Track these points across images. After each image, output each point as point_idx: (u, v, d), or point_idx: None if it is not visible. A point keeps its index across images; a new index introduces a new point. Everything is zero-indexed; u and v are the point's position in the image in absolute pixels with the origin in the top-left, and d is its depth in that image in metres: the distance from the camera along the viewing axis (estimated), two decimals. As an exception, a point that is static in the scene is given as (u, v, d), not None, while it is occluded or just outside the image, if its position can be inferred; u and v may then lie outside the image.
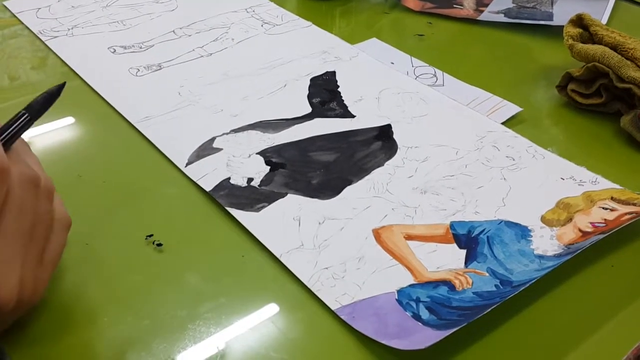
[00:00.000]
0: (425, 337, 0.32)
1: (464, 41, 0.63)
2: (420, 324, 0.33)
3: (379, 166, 0.45)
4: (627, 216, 0.39)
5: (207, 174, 0.44)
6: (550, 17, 0.64)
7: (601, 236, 0.38)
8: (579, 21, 0.54)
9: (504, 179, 0.44)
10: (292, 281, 0.36)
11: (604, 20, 0.64)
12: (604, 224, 0.39)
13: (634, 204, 0.40)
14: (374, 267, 0.37)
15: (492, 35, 0.63)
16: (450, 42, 0.63)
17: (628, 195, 0.41)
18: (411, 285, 0.36)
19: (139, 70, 0.55)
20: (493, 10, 0.67)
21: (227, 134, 0.48)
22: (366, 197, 0.42)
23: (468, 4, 0.68)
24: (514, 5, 0.67)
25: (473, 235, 0.39)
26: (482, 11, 0.67)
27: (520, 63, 0.59)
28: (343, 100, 0.52)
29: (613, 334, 0.34)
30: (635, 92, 0.47)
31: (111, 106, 0.50)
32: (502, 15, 0.66)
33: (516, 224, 0.40)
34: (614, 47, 0.50)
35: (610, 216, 0.39)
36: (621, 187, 0.43)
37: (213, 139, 0.47)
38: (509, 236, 0.39)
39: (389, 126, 0.49)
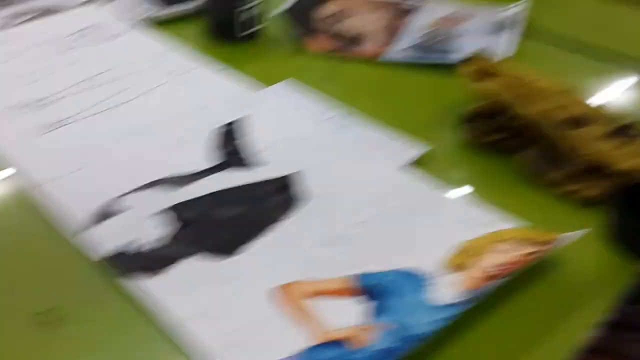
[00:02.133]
0: None
1: (369, 81, 0.63)
2: None
3: (283, 219, 0.44)
4: (531, 256, 0.39)
5: (107, 238, 0.42)
6: (452, 54, 0.65)
7: (506, 278, 0.38)
8: (476, 59, 0.55)
9: (408, 226, 0.43)
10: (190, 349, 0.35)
11: (507, 55, 0.65)
12: (508, 266, 0.38)
13: (538, 243, 0.40)
14: (275, 331, 0.36)
15: (398, 74, 0.64)
16: (356, 83, 0.63)
17: (529, 235, 0.41)
18: (312, 347, 0.35)
19: (39, 128, 0.53)
20: (397, 49, 0.67)
21: (129, 192, 0.46)
22: (269, 253, 0.41)
23: (372, 43, 0.69)
24: (418, 43, 0.68)
25: (377, 288, 0.38)
26: (386, 51, 0.67)
27: (425, 101, 0.59)
28: (249, 149, 0.51)
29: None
30: (532, 129, 0.48)
31: (6, 167, 0.48)
32: (407, 54, 0.66)
33: (421, 274, 0.39)
34: (513, 82, 0.51)
35: (514, 257, 0.39)
36: (524, 226, 0.43)
37: (115, 199, 0.45)
38: (413, 287, 0.38)
39: (295, 175, 0.48)
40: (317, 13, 0.73)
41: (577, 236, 0.40)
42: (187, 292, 0.38)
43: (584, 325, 0.35)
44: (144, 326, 0.36)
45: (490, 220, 0.43)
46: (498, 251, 0.40)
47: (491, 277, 0.38)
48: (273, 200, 0.46)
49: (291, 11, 0.72)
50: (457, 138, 0.53)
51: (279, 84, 0.61)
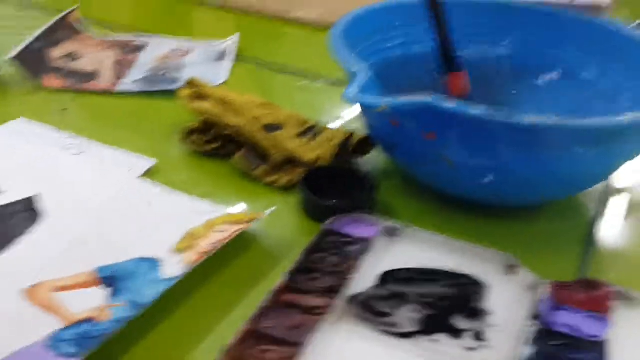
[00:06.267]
0: None
1: (104, 111, 0.70)
2: (64, 358, 0.38)
3: (28, 232, 0.50)
4: (236, 233, 0.50)
5: None
6: (177, 81, 0.74)
7: (216, 250, 0.47)
8: (191, 84, 0.65)
9: (140, 222, 0.52)
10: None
11: (224, 79, 0.76)
12: (218, 242, 0.48)
13: (244, 221, 0.51)
14: (26, 323, 0.42)
15: (130, 102, 0.72)
16: (93, 113, 0.70)
17: (238, 217, 0.52)
18: (60, 330, 0.41)
19: None
20: (129, 81, 0.75)
21: None
22: (17, 261, 0.47)
23: (106, 77, 0.76)
24: (148, 74, 0.77)
25: (115, 275, 0.46)
26: (119, 83, 0.75)
27: (155, 123, 0.67)
28: None
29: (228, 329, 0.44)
30: (238, 136, 0.59)
31: None
32: (137, 84, 0.74)
33: (150, 259, 0.47)
34: (221, 100, 0.62)
35: (223, 236, 0.49)
36: (234, 212, 0.53)
37: None
38: (142, 269, 0.46)
39: (38, 195, 0.54)
40: (49, 55, 0.78)
41: (269, 212, 0.51)
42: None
43: (282, 273, 0.46)
44: None
45: (210, 210, 0.53)
46: (214, 232, 0.50)
47: (206, 253, 0.47)
48: (17, 218, 0.51)
49: (20, 56, 0.76)
50: (182, 150, 0.63)
51: (19, 118, 0.65)
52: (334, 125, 0.63)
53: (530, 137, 0.46)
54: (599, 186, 0.59)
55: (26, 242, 0.49)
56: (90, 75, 0.76)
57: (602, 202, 0.58)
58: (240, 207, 0.54)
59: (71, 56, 0.80)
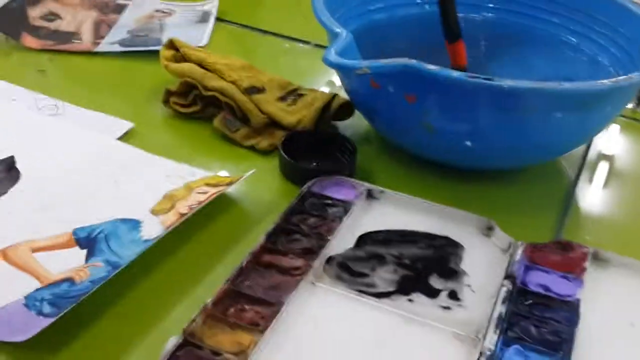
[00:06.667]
0: (42, 325, 0.37)
1: (84, 72, 0.69)
2: (42, 317, 0.38)
3: (3, 194, 0.49)
4: (215, 195, 0.50)
5: None
6: (159, 42, 0.73)
7: (194, 212, 0.47)
8: (172, 44, 0.64)
9: (118, 184, 0.51)
10: None
11: (205, 41, 0.76)
12: (197, 204, 0.48)
13: (222, 184, 0.51)
14: (3, 283, 0.41)
15: (110, 64, 0.71)
16: (72, 75, 0.69)
17: (217, 179, 0.52)
18: (37, 289, 0.41)
19: None
20: (109, 42, 0.74)
21: None
22: None
23: (86, 38, 0.75)
24: (128, 35, 0.76)
25: (92, 236, 0.46)
26: (99, 43, 0.74)
27: (135, 85, 0.67)
28: None
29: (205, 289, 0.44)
30: (220, 98, 0.59)
31: None
32: (118, 45, 0.73)
33: (129, 220, 0.47)
34: (199, 63, 0.61)
35: (203, 197, 0.49)
36: (214, 174, 0.53)
37: None
38: (122, 230, 0.46)
39: (12, 157, 0.53)
40: (28, 14, 0.76)
41: (249, 175, 0.51)
42: None
43: (261, 234, 0.46)
44: None
45: (189, 173, 0.53)
46: (194, 194, 0.50)
47: (184, 214, 0.47)
48: None
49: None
50: (162, 113, 0.62)
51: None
52: (318, 89, 0.63)
53: (511, 102, 0.46)
54: (577, 151, 0.60)
55: (3, 202, 0.49)
56: (70, 36, 0.75)
57: (580, 167, 0.59)
58: (221, 173, 0.54)
59: (50, 16, 0.78)
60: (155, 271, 0.45)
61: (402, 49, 0.51)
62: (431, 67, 0.44)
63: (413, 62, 0.44)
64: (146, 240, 0.45)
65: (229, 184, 0.51)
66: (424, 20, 0.60)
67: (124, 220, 0.47)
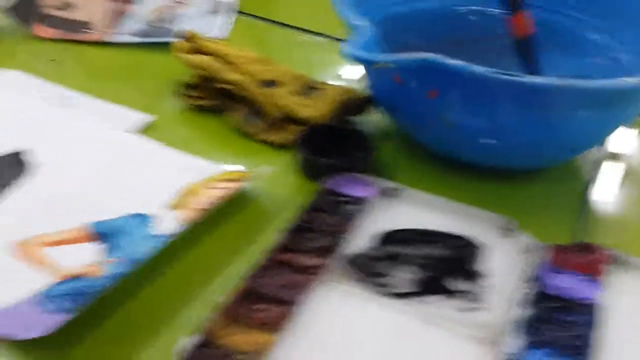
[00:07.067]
0: (58, 322, 0.37)
1: (97, 63, 0.69)
2: (58, 314, 0.38)
3: (17, 185, 0.49)
4: (231, 191, 0.49)
5: None
6: (173, 34, 0.72)
7: (212, 208, 0.47)
8: (188, 37, 0.63)
9: (134, 178, 0.51)
10: None
11: (220, 33, 0.75)
12: (214, 199, 0.48)
13: (238, 180, 0.50)
14: (16, 279, 0.41)
15: (123, 55, 0.70)
16: (85, 65, 0.68)
17: (234, 175, 0.51)
18: (52, 285, 0.40)
19: None
20: (122, 32, 0.73)
21: None
22: (6, 215, 0.46)
23: (100, 28, 0.74)
24: (143, 26, 0.75)
25: (108, 231, 0.45)
26: (111, 33, 0.73)
27: (149, 77, 0.66)
28: None
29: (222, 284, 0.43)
30: (235, 92, 0.58)
31: None
32: (132, 35, 0.73)
33: (145, 215, 0.47)
34: (219, 55, 0.60)
35: (219, 194, 0.49)
36: (233, 169, 0.52)
37: None
38: (138, 226, 0.46)
39: (27, 148, 0.53)
40: (41, 2, 0.76)
41: (266, 170, 0.50)
42: None
43: (278, 232, 0.46)
44: None
45: (205, 167, 0.52)
46: (209, 190, 0.49)
47: (201, 210, 0.47)
48: (6, 172, 0.50)
49: (11, 3, 0.73)
50: (177, 106, 0.61)
51: (3, 69, 0.64)
52: (334, 83, 0.62)
53: (535, 98, 0.45)
54: (595, 150, 0.58)
55: (15, 195, 0.48)
56: (83, 25, 0.74)
57: (597, 166, 0.58)
58: (237, 167, 0.53)
59: (64, 4, 0.77)
60: (169, 268, 0.44)
61: (421, 44, 0.51)
62: (455, 61, 0.43)
63: (436, 56, 0.43)
64: (162, 236, 0.44)
65: (245, 179, 0.50)
66: (445, 14, 0.59)
67: (140, 216, 0.47)
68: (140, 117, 0.58)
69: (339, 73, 0.69)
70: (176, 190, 0.49)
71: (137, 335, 0.40)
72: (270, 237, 0.45)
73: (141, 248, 0.43)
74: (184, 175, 0.51)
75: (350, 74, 0.68)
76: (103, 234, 0.45)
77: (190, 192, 0.49)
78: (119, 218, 0.46)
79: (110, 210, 0.47)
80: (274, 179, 0.53)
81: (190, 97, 0.60)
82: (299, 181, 0.53)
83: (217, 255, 0.45)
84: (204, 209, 0.47)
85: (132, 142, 0.55)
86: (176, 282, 0.43)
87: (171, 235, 0.44)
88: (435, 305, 0.41)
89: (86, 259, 0.43)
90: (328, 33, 0.77)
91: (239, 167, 0.53)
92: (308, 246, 0.44)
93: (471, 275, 0.43)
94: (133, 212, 0.47)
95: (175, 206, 0.48)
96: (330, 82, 0.62)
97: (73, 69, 0.67)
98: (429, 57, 0.43)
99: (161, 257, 0.44)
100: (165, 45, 0.69)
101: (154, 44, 0.71)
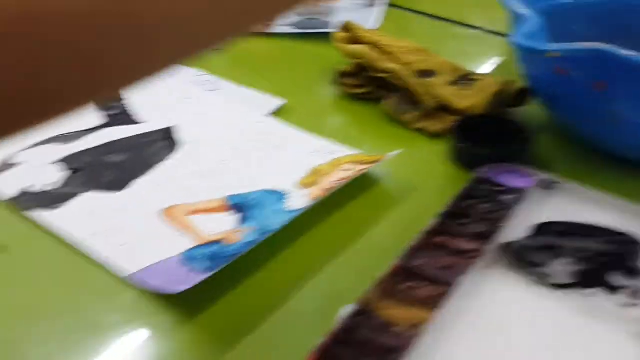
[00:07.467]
0: (198, 280, 0.40)
1: (256, 53, 0.73)
2: (197, 272, 0.41)
3: (164, 160, 0.53)
4: (360, 172, 0.51)
5: (9, 184, 0.50)
6: (329, 25, 0.75)
7: (336, 188, 0.49)
8: (346, 27, 0.65)
9: (269, 157, 0.54)
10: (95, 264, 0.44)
11: (375, 25, 0.77)
12: (343, 179, 0.50)
13: (369, 162, 0.52)
14: (163, 240, 0.45)
15: (282, 45, 0.74)
16: (241, 55, 0.72)
17: (364, 157, 0.53)
18: (194, 247, 0.44)
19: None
20: (282, 24, 0.77)
21: (25, 149, 0.54)
22: (155, 186, 0.51)
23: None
24: (300, 18, 0.78)
25: (244, 203, 0.49)
26: (271, 26, 0.77)
27: (306, 65, 0.69)
28: (133, 109, 0.60)
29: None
30: (391, 81, 0.59)
31: None
32: (291, 27, 0.76)
33: (277, 191, 0.50)
34: (376, 44, 0.62)
35: (348, 174, 0.50)
36: (362, 153, 0.54)
37: (13, 155, 0.53)
38: (271, 200, 0.49)
39: (174, 127, 0.58)
40: None
41: (394, 154, 0.52)
42: (84, 219, 0.47)
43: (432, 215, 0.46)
44: (55, 247, 0.45)
45: (338, 150, 0.54)
46: (339, 170, 0.51)
47: (329, 189, 0.49)
48: (156, 146, 0.55)
49: None
50: (334, 93, 0.64)
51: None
52: (488, 74, 0.61)
53: None
54: None
55: (164, 168, 0.53)
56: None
57: None
58: (394, 153, 0.53)
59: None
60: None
61: (587, 34, 0.49)
62: (629, 52, 0.41)
63: (609, 46, 0.42)
64: (292, 211, 0.47)
65: (374, 162, 0.52)
66: (612, 6, 0.57)
67: (272, 191, 0.50)
68: (279, 102, 0.61)
69: (493, 65, 0.68)
70: (307, 169, 0.52)
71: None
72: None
73: (273, 220, 0.46)
74: (316, 156, 0.53)
75: (505, 65, 0.67)
76: (240, 205, 0.48)
77: (320, 171, 0.51)
78: (254, 192, 0.50)
79: (246, 185, 0.50)
80: (429, 166, 0.53)
81: (346, 85, 0.63)
82: (449, 170, 0.53)
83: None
84: (333, 188, 0.49)
85: (270, 124, 0.58)
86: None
87: (301, 211, 0.47)
88: (595, 298, 0.40)
89: (224, 227, 0.46)
90: (480, 25, 0.76)
91: (395, 154, 0.54)
92: (462, 231, 0.45)
93: (632, 271, 0.42)
94: (268, 187, 0.50)
95: (306, 184, 0.50)
96: (486, 73, 0.62)
97: (230, 59, 0.71)
98: (601, 47, 0.42)
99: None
100: (319, 37, 0.72)
101: (309, 35, 0.74)
